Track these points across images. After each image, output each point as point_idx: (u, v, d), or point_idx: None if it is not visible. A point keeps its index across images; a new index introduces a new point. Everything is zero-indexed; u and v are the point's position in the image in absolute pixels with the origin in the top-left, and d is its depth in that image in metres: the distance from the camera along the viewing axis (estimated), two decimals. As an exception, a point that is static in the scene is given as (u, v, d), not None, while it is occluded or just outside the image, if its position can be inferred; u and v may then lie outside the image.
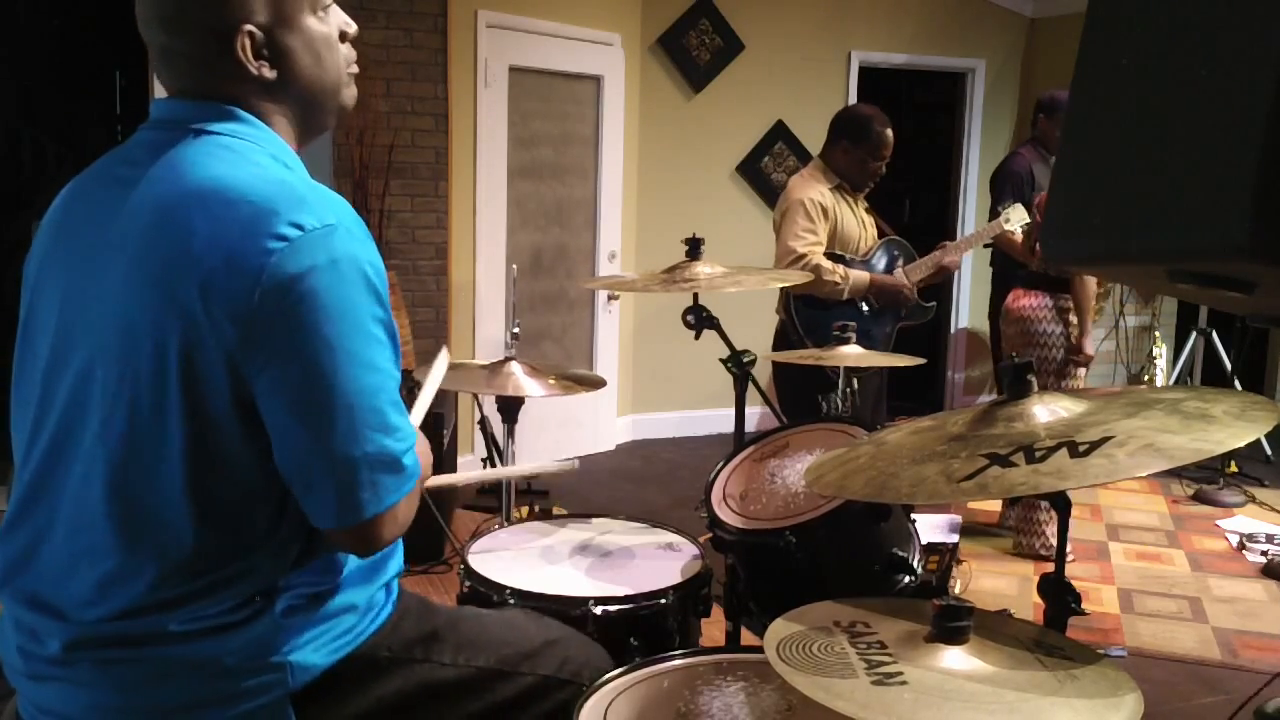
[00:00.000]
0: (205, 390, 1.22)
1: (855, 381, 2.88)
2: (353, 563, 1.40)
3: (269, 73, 1.31)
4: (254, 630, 1.29)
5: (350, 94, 1.42)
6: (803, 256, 3.64)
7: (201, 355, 1.21)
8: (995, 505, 4.66)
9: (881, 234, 4.00)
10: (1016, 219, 4.19)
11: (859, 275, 3.72)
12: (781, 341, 3.84)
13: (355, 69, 1.42)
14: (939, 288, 7.19)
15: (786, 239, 3.68)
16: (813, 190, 3.72)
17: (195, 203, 1.23)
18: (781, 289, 3.77)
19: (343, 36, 1.39)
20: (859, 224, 3.83)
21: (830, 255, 3.71)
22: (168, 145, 1.29)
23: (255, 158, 1.29)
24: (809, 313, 3.71)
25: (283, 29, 1.31)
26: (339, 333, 1.21)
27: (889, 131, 3.76)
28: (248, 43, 1.28)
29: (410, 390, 2.08)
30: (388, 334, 1.27)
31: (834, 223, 3.73)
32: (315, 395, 1.21)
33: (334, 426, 1.22)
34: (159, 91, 1.39)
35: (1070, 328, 4.10)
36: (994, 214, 5.32)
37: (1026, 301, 4.19)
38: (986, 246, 5.69)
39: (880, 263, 3.87)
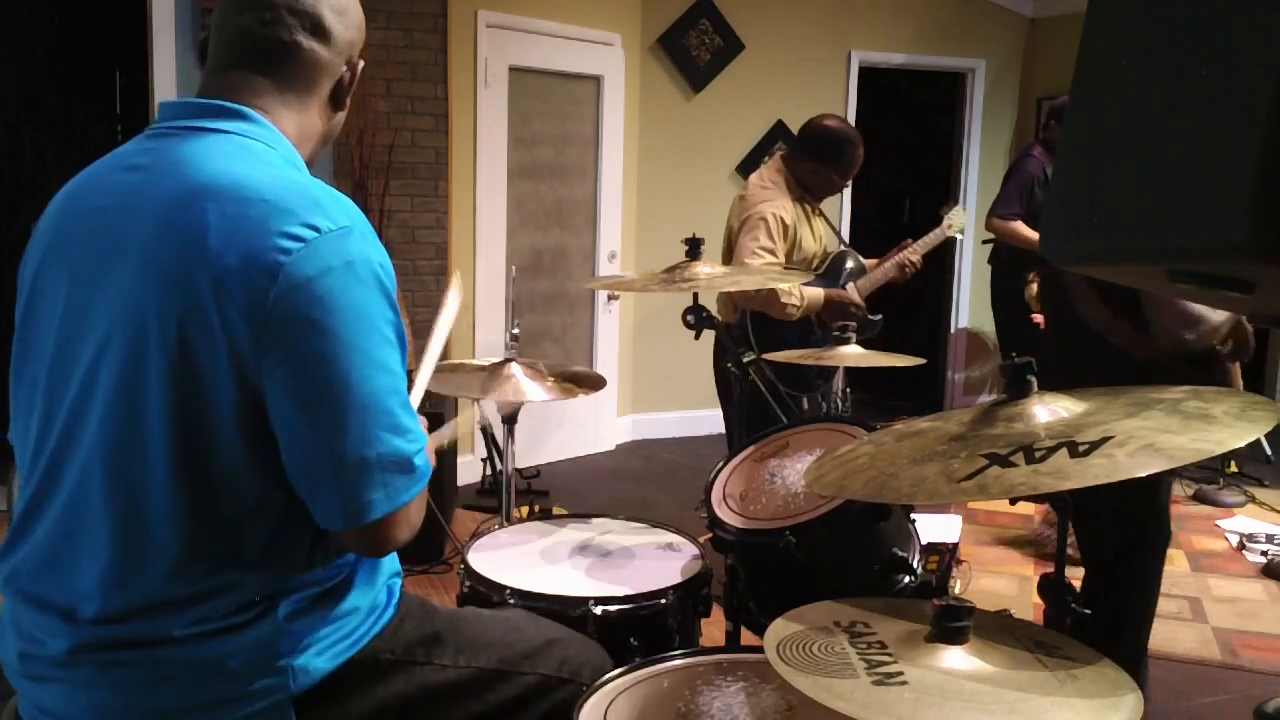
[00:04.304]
0: (206, 383, 1.22)
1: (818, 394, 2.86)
2: (354, 565, 1.40)
3: (345, 98, 1.47)
4: (257, 633, 1.29)
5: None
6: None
7: (208, 350, 1.21)
8: (1000, 506, 4.65)
9: (839, 241, 3.87)
10: (959, 223, 4.04)
11: (813, 294, 3.56)
12: (721, 351, 3.59)
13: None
14: (936, 291, 7.21)
15: (743, 254, 3.49)
16: (777, 204, 3.54)
17: (209, 197, 1.23)
18: (735, 304, 3.63)
19: None
20: (814, 238, 3.70)
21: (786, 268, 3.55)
22: (177, 142, 1.30)
23: (268, 158, 1.31)
24: (764, 327, 3.56)
25: (354, 75, 1.48)
26: (353, 334, 1.22)
27: (860, 151, 3.65)
28: (349, 74, 1.46)
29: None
30: (397, 336, 1.29)
31: (794, 239, 3.58)
32: (328, 396, 1.22)
33: (346, 427, 1.23)
34: (159, 91, 1.40)
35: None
36: (994, 213, 5.30)
37: None
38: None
39: (834, 276, 3.72)
